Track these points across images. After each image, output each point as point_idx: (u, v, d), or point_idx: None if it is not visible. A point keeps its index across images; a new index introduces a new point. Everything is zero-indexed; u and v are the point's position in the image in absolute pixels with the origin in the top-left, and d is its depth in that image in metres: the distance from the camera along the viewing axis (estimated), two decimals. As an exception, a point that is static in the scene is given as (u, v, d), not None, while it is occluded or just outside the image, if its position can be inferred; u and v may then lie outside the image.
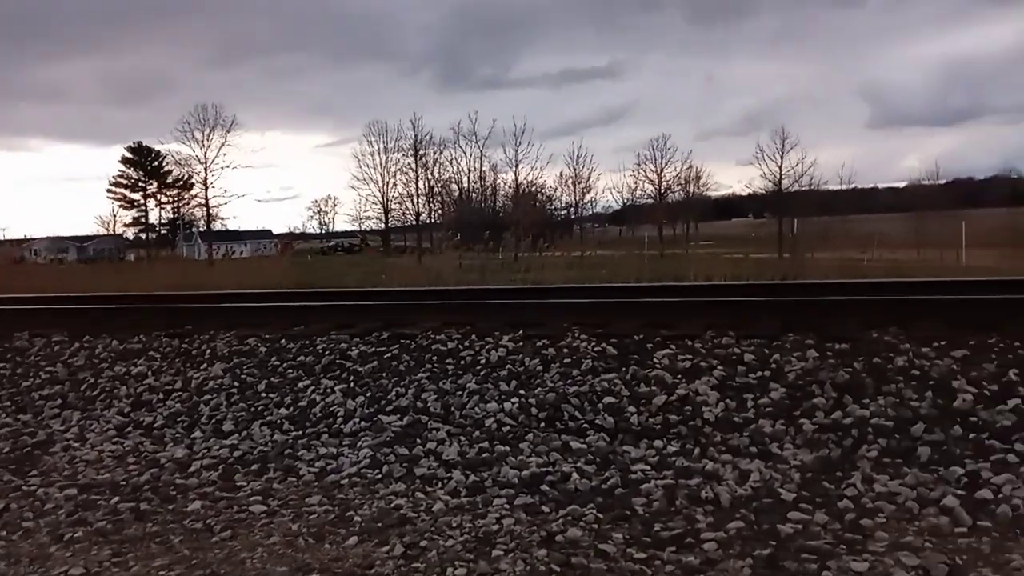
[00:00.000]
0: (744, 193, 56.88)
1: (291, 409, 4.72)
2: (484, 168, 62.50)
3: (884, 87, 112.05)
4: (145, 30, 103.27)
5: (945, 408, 3.81)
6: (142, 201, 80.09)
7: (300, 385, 4.99)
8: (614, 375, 4.45)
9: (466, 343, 5.23)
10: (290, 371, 5.21)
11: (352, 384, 4.89)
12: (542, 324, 5.48)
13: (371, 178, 60.42)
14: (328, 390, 4.85)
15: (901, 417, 3.78)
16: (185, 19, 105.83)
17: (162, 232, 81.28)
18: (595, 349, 4.84)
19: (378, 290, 8.59)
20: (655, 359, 4.59)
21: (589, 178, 61.10)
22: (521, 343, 5.12)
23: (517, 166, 52.93)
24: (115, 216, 74.15)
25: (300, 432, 4.44)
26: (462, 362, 4.93)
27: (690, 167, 62.12)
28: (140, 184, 79.65)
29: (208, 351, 5.71)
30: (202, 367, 5.46)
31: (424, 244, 56.85)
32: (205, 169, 59.18)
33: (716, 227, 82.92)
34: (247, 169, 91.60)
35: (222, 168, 59.04)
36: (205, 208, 61.85)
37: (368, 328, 5.77)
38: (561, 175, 60.91)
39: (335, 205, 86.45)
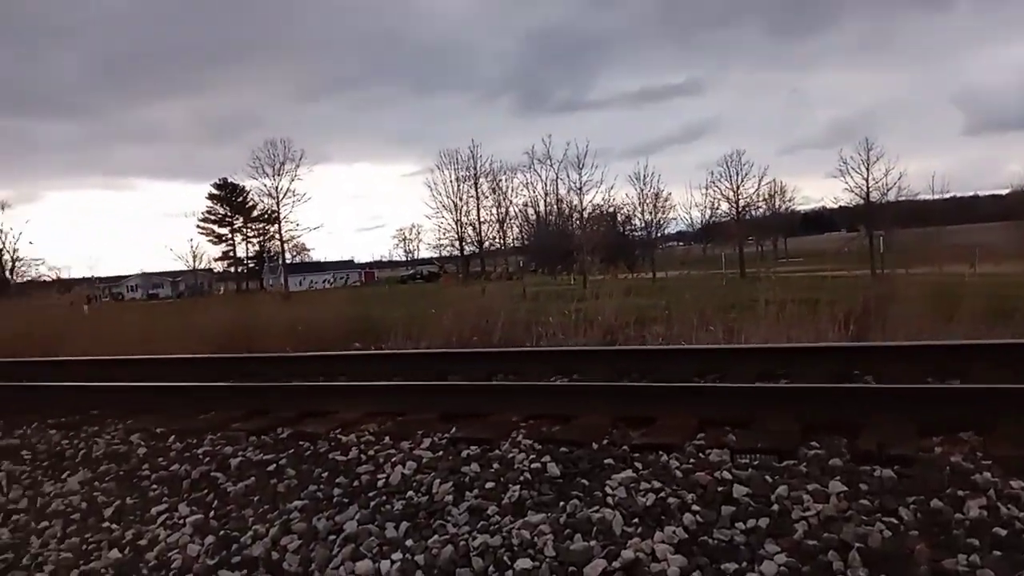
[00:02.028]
0: (834, 206, 53.45)
1: (124, 552, 3.50)
2: (560, 191, 61.23)
3: (978, 92, 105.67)
4: (236, 69, 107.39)
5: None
6: (229, 235, 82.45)
7: (153, 512, 3.77)
8: (543, 516, 3.04)
9: (374, 449, 3.92)
10: (153, 488, 4.01)
11: (212, 514, 3.64)
12: (487, 415, 4.13)
13: (444, 206, 60.05)
14: (179, 522, 3.61)
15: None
16: (274, 56, 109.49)
17: (249, 265, 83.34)
18: (532, 466, 3.44)
19: (353, 353, 7.43)
20: (608, 487, 3.16)
21: (659, 197, 58.84)
22: (442, 452, 3.78)
23: (581, 189, 51.30)
24: (194, 251, 76.13)
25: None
26: (355, 483, 3.61)
27: (770, 182, 59.18)
28: (227, 219, 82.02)
29: (83, 452, 4.59)
30: (62, 477, 4.33)
31: (498, 269, 55.85)
32: (277, 203, 60.06)
33: (805, 242, 79.20)
34: (329, 200, 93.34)
35: (293, 202, 59.79)
36: (280, 241, 62.70)
37: (273, 421, 4.55)
38: (640, 194, 58.83)
39: (419, 233, 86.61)
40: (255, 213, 78.27)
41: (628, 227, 64.59)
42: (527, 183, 61.42)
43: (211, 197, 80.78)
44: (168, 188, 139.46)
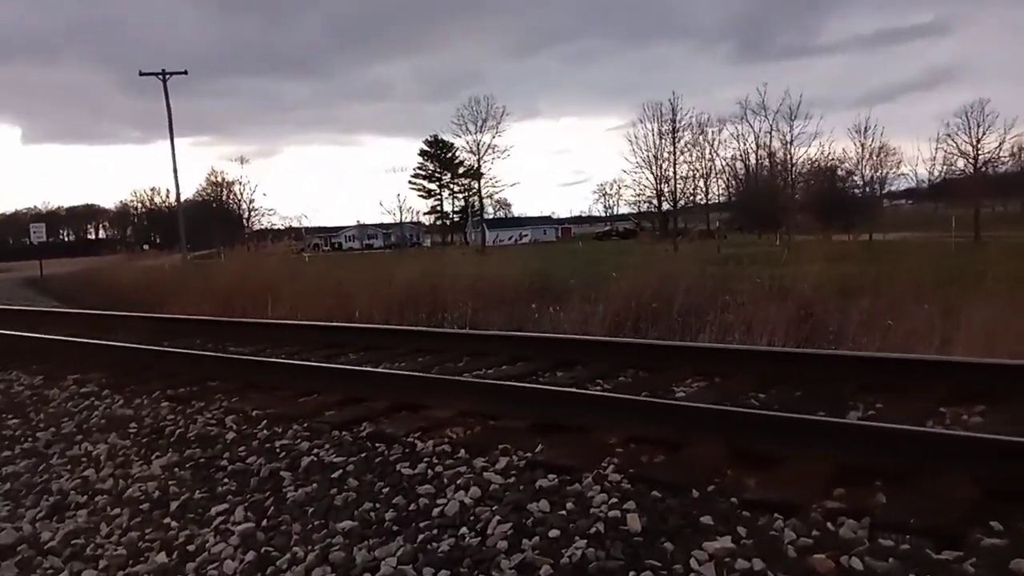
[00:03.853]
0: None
1: (171, 557, 3.24)
2: (773, 145, 57.45)
3: None
4: (454, 28, 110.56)
5: None
6: (437, 190, 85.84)
7: (213, 511, 3.49)
8: (605, 589, 2.36)
9: (445, 463, 3.39)
10: (223, 482, 3.75)
11: (264, 523, 3.29)
12: (583, 430, 3.47)
13: (644, 161, 58.33)
14: (230, 529, 3.30)
15: None
16: (491, 14, 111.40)
17: (454, 219, 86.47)
18: (611, 512, 2.74)
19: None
20: (695, 559, 2.41)
21: (884, 152, 53.20)
22: (515, 475, 3.17)
23: (791, 142, 47.52)
24: (400, 205, 79.86)
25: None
26: (411, 507, 3.10)
27: (1018, 135, 51.61)
28: (435, 175, 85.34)
29: (180, 431, 4.46)
30: (151, 458, 4.20)
31: (696, 227, 53.60)
32: (478, 159, 61.27)
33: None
34: (534, 155, 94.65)
35: (493, 158, 60.76)
36: (478, 197, 64.14)
37: (364, 412, 4.16)
38: (861, 148, 53.72)
39: (619, 189, 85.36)
40: (461, 169, 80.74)
41: (848, 184, 59.41)
42: (738, 135, 58.24)
43: (422, 153, 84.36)
44: (390, 144, 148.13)
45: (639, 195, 61.84)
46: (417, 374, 4.58)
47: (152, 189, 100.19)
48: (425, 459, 3.47)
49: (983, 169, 48.39)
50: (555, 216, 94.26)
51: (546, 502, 2.89)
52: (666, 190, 56.23)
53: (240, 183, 68.89)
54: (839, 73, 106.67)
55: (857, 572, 2.21)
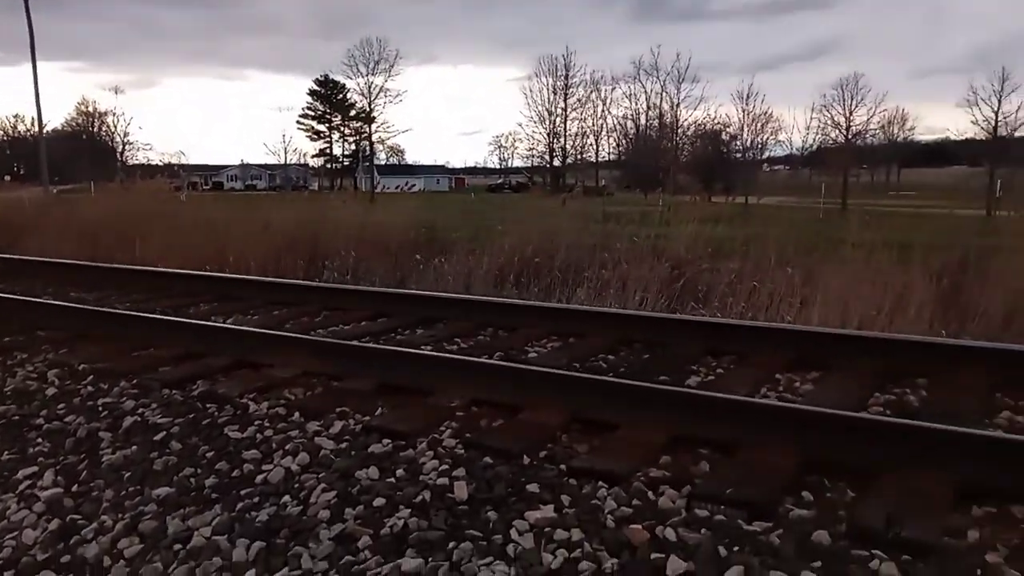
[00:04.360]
0: (959, 139, 49.23)
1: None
2: (664, 106, 58.48)
3: None
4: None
5: None
6: (327, 133, 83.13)
7: (20, 474, 3.21)
8: (420, 563, 2.29)
9: (278, 425, 3.24)
10: (36, 443, 3.46)
11: (74, 488, 3.05)
12: (426, 393, 3.38)
13: (539, 115, 58.40)
14: (36, 495, 3.04)
15: None
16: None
17: (344, 164, 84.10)
18: (439, 480, 2.67)
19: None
20: (516, 528, 2.37)
21: (765, 118, 55.23)
22: (348, 440, 3.05)
23: (678, 105, 48.68)
24: (286, 146, 76.91)
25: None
26: (234, 473, 2.94)
27: (885, 109, 54.71)
28: (326, 116, 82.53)
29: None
30: (-40, 415, 3.83)
31: (582, 184, 54.29)
32: (369, 103, 59.71)
33: (925, 175, 74.11)
34: (431, 102, 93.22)
35: (385, 102, 59.34)
36: (369, 142, 62.66)
37: (203, 370, 3.93)
38: (742, 114, 55.49)
39: (514, 142, 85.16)
40: (352, 112, 78.39)
41: (730, 148, 61.39)
42: (631, 95, 58.98)
43: (311, 93, 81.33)
44: (279, 81, 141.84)
45: (531, 149, 62.01)
46: (261, 330, 4.35)
47: (16, 116, 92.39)
48: (256, 422, 3.30)
49: (854, 140, 51.02)
50: (449, 165, 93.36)
51: (376, 469, 2.79)
52: (557, 146, 56.56)
53: (114, 114, 64.53)
54: (732, 40, 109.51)
55: (670, 543, 2.22)
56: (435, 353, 3.88)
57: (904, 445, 2.56)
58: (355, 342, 4.00)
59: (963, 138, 48.49)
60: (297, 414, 3.33)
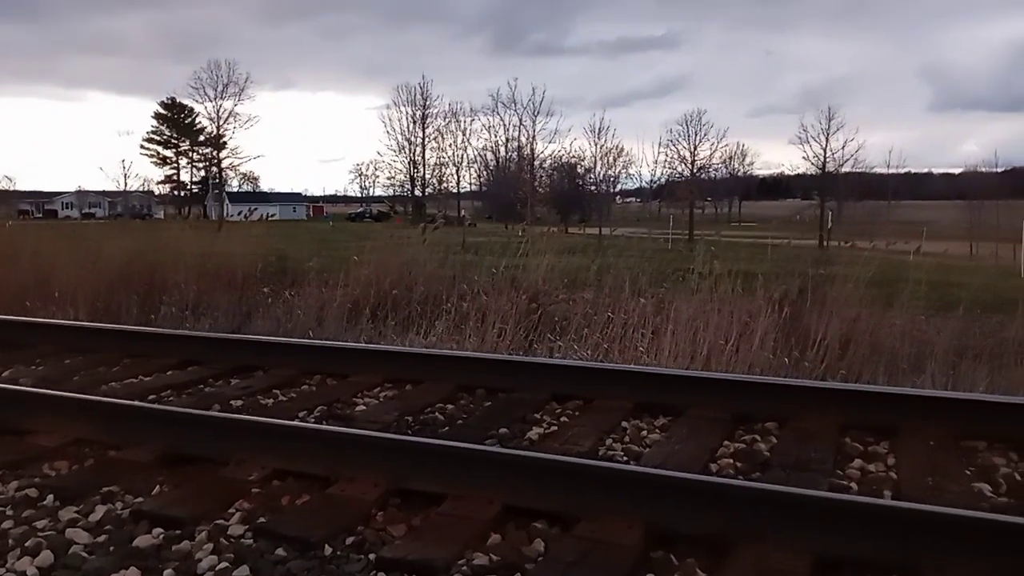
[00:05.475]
0: (793, 173, 52.80)
1: None
2: (522, 139, 59.32)
3: (949, 68, 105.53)
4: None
5: None
6: (174, 158, 78.97)
7: None
8: None
9: (24, 513, 2.60)
10: None
11: None
12: (218, 463, 2.83)
13: (399, 144, 57.89)
14: None
15: None
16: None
17: (193, 191, 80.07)
18: (217, 582, 2.15)
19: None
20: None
21: (617, 152, 57.28)
22: (109, 531, 2.46)
23: (534, 138, 49.76)
24: (126, 172, 72.31)
25: None
26: (-52, 584, 2.29)
27: (727, 145, 58.10)
28: (172, 141, 78.42)
29: None
30: None
31: (440, 214, 54.09)
32: (217, 127, 57.29)
33: (763, 207, 79.07)
34: (290, 129, 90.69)
35: (235, 127, 57.16)
36: (217, 167, 60.04)
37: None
38: (595, 147, 57.11)
39: (375, 170, 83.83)
40: (201, 137, 74.92)
41: (586, 180, 63.09)
42: (489, 126, 59.55)
43: (157, 117, 77.10)
44: (123, 103, 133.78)
45: (392, 178, 61.34)
46: (20, 388, 3.64)
47: None
48: (-2, 509, 2.64)
49: (698, 174, 53.64)
50: (308, 193, 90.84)
51: (135, 569, 2.23)
52: (418, 176, 56.25)
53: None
54: (586, 75, 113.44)
55: None
56: (228, 415, 3.31)
57: (756, 512, 2.28)
58: (137, 402, 3.37)
59: (796, 172, 52.03)
60: (51, 497, 2.69)
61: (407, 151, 58.03)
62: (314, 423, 3.44)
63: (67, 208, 76.55)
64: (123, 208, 69.83)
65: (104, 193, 76.39)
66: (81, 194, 76.54)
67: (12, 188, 63.47)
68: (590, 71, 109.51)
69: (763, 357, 6.46)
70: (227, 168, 63.46)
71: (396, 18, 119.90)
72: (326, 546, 2.31)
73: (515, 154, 63.45)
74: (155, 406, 3.43)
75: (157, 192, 78.80)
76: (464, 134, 57.85)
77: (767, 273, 8.38)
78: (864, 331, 7.25)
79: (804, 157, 45.91)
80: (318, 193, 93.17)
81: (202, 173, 78.36)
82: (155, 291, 11.57)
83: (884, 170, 50.22)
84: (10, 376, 4.48)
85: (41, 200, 75.24)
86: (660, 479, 2.43)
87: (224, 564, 2.23)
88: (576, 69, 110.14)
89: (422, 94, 55.82)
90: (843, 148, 43.57)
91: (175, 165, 78.54)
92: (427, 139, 56.07)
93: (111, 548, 2.37)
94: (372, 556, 2.26)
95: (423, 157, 56.36)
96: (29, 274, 11.60)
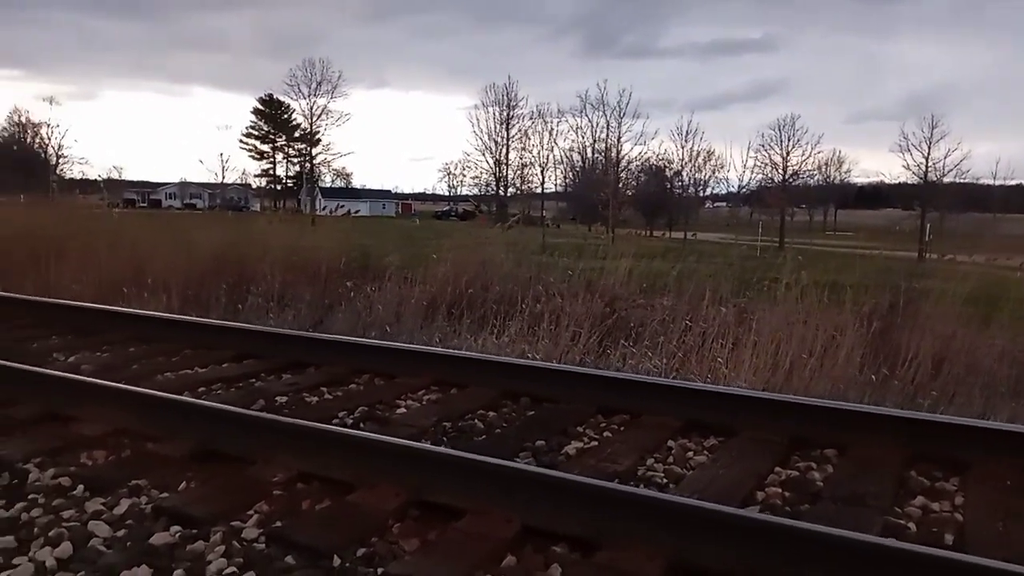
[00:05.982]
0: (893, 182, 50.60)
1: None
2: (610, 140, 58.82)
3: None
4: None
5: None
6: (271, 153, 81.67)
7: None
8: None
9: (54, 502, 2.64)
10: None
11: None
12: (248, 461, 2.81)
13: (485, 145, 58.27)
14: None
15: None
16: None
17: (288, 185, 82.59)
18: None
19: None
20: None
21: (707, 155, 56.02)
22: (129, 526, 2.47)
23: (620, 139, 49.14)
24: (224, 165, 74.71)
25: None
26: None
27: (821, 151, 56.06)
28: (270, 136, 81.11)
29: None
30: None
31: (517, 214, 54.20)
32: (310, 124, 58.80)
33: (860, 216, 76.09)
34: (382, 127, 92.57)
35: (326, 125, 58.53)
36: (309, 163, 61.63)
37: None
38: (681, 150, 56.04)
39: (463, 170, 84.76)
40: (297, 133, 77.20)
41: (674, 184, 62.01)
42: (576, 128, 59.26)
43: (255, 112, 79.86)
44: (223, 98, 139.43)
45: (477, 178, 61.76)
46: (70, 375, 3.72)
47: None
48: (31, 496, 2.69)
49: (791, 180, 52.01)
50: (398, 191, 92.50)
51: (146, 567, 2.21)
52: (503, 175, 56.47)
53: (49, 126, 62.16)
54: (678, 78, 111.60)
55: None
56: (260, 414, 3.30)
57: (791, 551, 2.10)
58: (176, 396, 3.39)
59: (896, 182, 49.84)
60: (81, 487, 2.73)
61: (492, 151, 58.30)
62: (339, 426, 3.39)
63: (170, 198, 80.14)
64: (221, 200, 72.60)
65: (204, 185, 79.66)
66: (183, 185, 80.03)
67: (121, 178, 66.72)
68: (682, 73, 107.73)
69: (849, 373, 6.14)
70: (320, 164, 65.10)
71: (488, 19, 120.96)
72: (335, 556, 2.25)
73: (602, 156, 62.97)
74: (189, 399, 3.45)
75: (254, 185, 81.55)
76: (551, 135, 57.73)
77: (856, 285, 7.97)
78: (960, 350, 6.81)
79: (904, 166, 44.04)
80: (407, 191, 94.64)
81: (297, 168, 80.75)
82: (243, 281, 11.93)
83: (990, 181, 47.60)
84: (74, 362, 4.62)
85: (146, 190, 78.97)
86: (687, 509, 2.27)
87: (232, 568, 2.20)
88: (667, 72, 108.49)
89: (507, 95, 56.00)
90: (946, 157, 41.58)
91: (271, 159, 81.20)
92: (511, 139, 56.17)
93: (128, 544, 2.37)
94: (380, 571, 2.18)
95: (507, 157, 56.51)
96: (128, 263, 12.15)
